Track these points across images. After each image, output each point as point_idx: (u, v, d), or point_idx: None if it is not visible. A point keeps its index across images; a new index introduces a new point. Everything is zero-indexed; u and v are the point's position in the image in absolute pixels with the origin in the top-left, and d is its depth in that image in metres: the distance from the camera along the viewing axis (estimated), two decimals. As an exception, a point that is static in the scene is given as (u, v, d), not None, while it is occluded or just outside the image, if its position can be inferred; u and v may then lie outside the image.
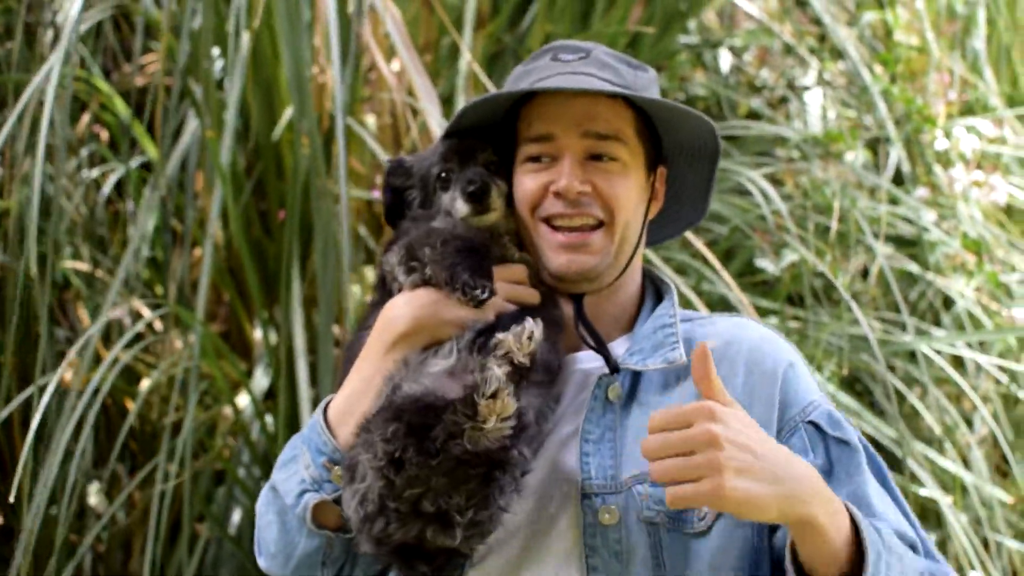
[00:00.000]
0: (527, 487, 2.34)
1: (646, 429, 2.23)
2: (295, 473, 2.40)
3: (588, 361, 2.50)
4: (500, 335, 2.22)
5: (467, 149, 2.53)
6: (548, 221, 2.47)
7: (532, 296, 2.46)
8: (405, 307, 2.40)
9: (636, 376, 2.46)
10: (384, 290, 2.51)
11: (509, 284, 2.45)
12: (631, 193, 2.49)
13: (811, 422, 2.42)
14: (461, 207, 2.47)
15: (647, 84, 2.55)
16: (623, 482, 2.36)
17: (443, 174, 2.52)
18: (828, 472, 2.39)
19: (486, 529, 2.26)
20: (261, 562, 2.47)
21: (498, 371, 2.16)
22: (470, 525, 2.22)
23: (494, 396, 2.14)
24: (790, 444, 2.37)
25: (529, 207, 2.48)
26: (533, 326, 2.23)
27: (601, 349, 2.47)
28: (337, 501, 2.34)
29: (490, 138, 2.55)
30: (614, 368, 2.44)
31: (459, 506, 2.21)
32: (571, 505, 2.37)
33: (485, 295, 2.35)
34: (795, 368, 2.47)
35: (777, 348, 2.49)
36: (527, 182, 2.48)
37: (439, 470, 2.17)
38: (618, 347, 2.51)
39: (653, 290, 2.62)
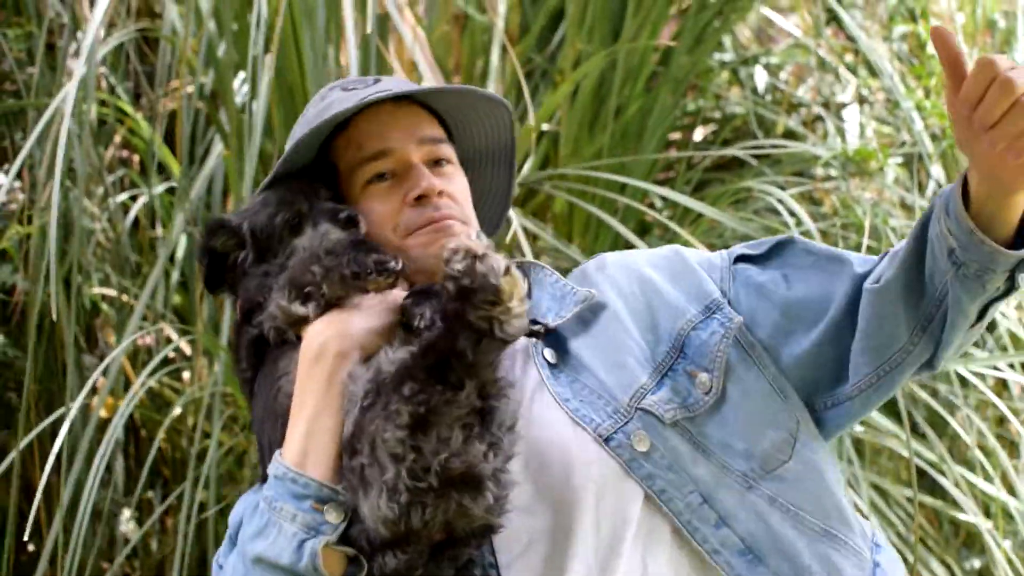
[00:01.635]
0: (527, 467, 2.28)
1: (606, 362, 2.34)
2: (280, 533, 2.20)
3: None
4: (454, 243, 2.10)
5: (307, 189, 2.44)
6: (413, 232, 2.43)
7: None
8: (328, 329, 2.29)
9: (555, 334, 2.43)
10: (271, 352, 2.38)
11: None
12: (467, 192, 2.51)
13: (739, 257, 2.50)
14: (336, 235, 2.38)
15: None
16: (624, 408, 2.33)
17: (293, 218, 2.41)
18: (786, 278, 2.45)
19: (504, 489, 2.17)
20: None
21: (496, 255, 2.08)
22: (494, 479, 2.14)
23: (507, 272, 2.06)
24: (743, 279, 2.46)
25: (390, 227, 2.43)
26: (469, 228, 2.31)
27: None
28: (338, 542, 2.20)
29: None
30: (546, 329, 2.41)
31: (478, 455, 2.12)
32: (597, 458, 2.31)
33: (398, 265, 2.31)
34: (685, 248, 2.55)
35: (661, 248, 2.57)
36: (377, 205, 2.44)
37: (458, 410, 2.09)
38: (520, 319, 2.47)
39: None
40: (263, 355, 2.39)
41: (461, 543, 2.20)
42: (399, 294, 2.33)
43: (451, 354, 2.08)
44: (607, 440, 2.30)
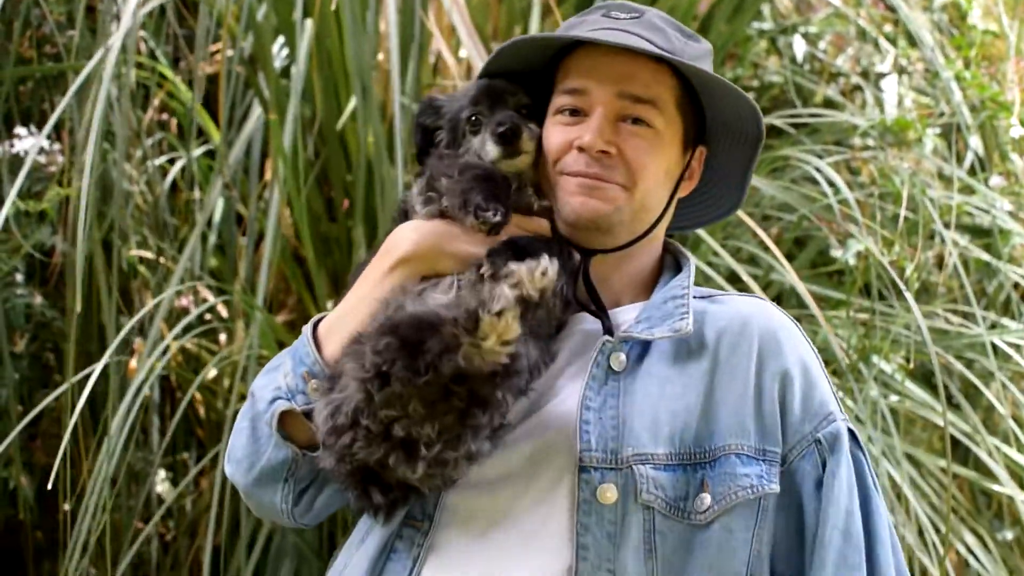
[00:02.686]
0: (518, 446, 2.30)
1: (652, 403, 2.27)
2: (273, 380, 2.38)
3: (591, 322, 2.43)
4: (513, 266, 2.16)
5: (498, 91, 2.46)
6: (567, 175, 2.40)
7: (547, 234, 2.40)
8: (411, 233, 2.36)
9: (645, 346, 2.38)
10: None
11: (525, 224, 2.38)
12: (659, 164, 2.41)
13: (819, 440, 2.37)
14: (491, 149, 2.40)
15: (699, 55, 2.45)
16: (625, 458, 2.28)
17: (473, 117, 2.45)
18: (818, 484, 2.35)
19: (449, 473, 2.21)
20: (226, 468, 2.44)
21: (508, 291, 2.10)
22: (434, 462, 2.18)
23: (499, 315, 2.07)
24: (800, 469, 2.35)
25: (553, 159, 2.41)
26: (548, 263, 2.17)
27: (599, 311, 2.42)
28: (308, 415, 2.31)
29: (527, 84, 2.48)
30: (608, 331, 2.38)
31: (429, 437, 2.15)
32: (567, 476, 2.29)
33: (498, 218, 2.29)
34: (808, 372, 2.40)
35: (794, 342, 2.42)
36: (554, 134, 2.42)
37: (422, 392, 2.11)
38: (625, 314, 2.44)
39: (673, 264, 2.55)
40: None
41: (384, 487, 2.25)
42: (512, 230, 2.34)
43: (421, 343, 2.10)
44: (582, 469, 2.28)
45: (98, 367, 3.73)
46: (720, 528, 2.29)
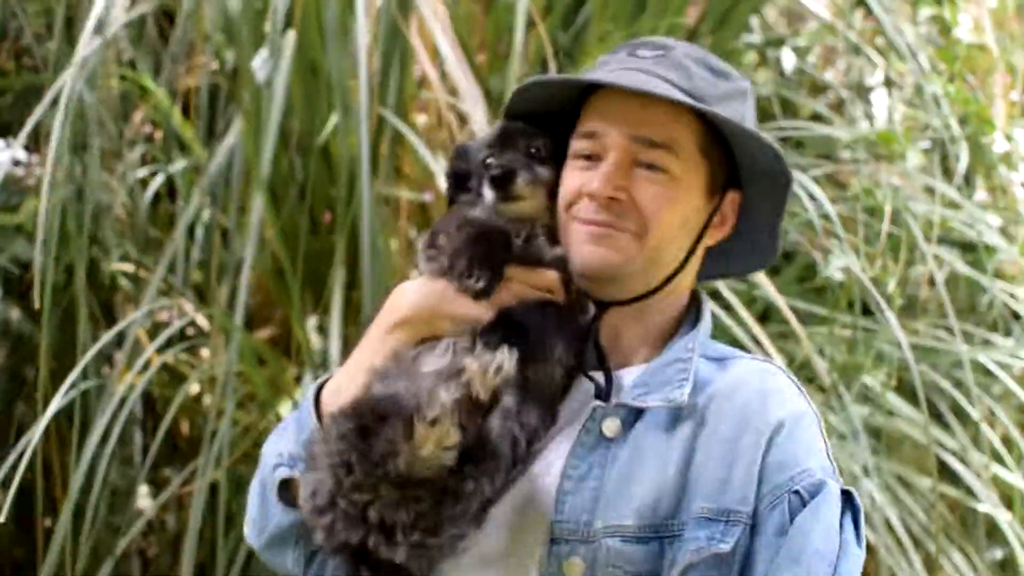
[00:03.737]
0: (504, 519, 2.21)
1: (632, 473, 2.16)
2: (277, 445, 2.34)
3: (598, 379, 2.31)
4: (467, 360, 2.11)
5: (510, 133, 2.37)
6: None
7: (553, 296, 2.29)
8: (411, 294, 2.28)
9: (638, 412, 2.26)
10: None
11: (527, 286, 2.27)
12: (675, 211, 2.27)
13: (796, 491, 2.19)
14: (488, 194, 2.32)
15: (728, 94, 2.30)
16: (596, 531, 2.18)
17: (486, 160, 2.36)
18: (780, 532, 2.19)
19: (434, 555, 2.13)
20: (245, 530, 2.40)
21: (445, 396, 2.04)
22: (416, 546, 2.10)
23: (435, 423, 2.00)
24: (769, 519, 2.19)
25: (565, 205, 2.30)
26: (504, 358, 2.10)
27: (604, 371, 2.30)
28: None
29: (551, 127, 2.37)
30: (600, 395, 2.26)
31: (404, 524, 2.08)
32: (539, 549, 2.21)
33: (480, 284, 2.20)
34: (794, 429, 2.24)
35: (783, 400, 2.27)
36: (569, 179, 2.30)
37: (385, 482, 2.05)
38: (631, 375, 2.31)
39: (694, 317, 2.39)
40: None
41: (373, 566, 2.16)
42: (508, 298, 2.25)
43: (376, 435, 2.05)
44: (553, 541, 2.20)
45: (69, 378, 3.70)
46: None
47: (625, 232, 2.26)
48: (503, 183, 2.30)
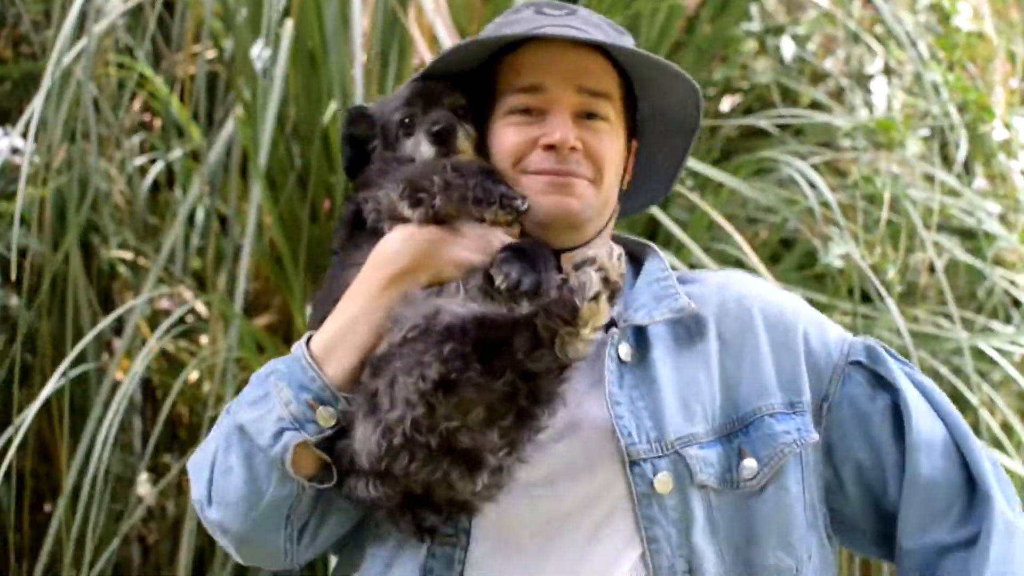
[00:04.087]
0: (554, 449, 2.24)
1: (673, 387, 2.28)
2: (269, 411, 2.20)
3: None
4: (589, 252, 2.08)
5: (432, 92, 2.39)
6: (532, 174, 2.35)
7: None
8: (404, 243, 2.25)
9: (642, 332, 2.36)
10: (358, 233, 2.37)
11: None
12: (616, 156, 2.40)
13: (854, 362, 2.40)
14: (426, 149, 2.34)
15: (634, 47, 2.43)
16: (669, 444, 2.27)
17: (406, 119, 2.38)
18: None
19: (501, 482, 2.14)
20: (212, 515, 2.26)
21: (595, 275, 2.03)
22: (494, 471, 2.11)
23: (595, 299, 2.01)
24: (851, 394, 2.38)
25: (512, 160, 2.35)
26: (614, 247, 2.12)
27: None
28: (319, 445, 2.18)
29: (462, 85, 2.42)
30: (611, 323, 2.33)
31: (493, 445, 2.09)
32: (616, 473, 2.26)
33: (525, 206, 2.26)
34: (813, 317, 2.45)
35: (786, 299, 2.46)
36: (510, 134, 2.36)
37: (492, 396, 2.05)
38: None
39: (628, 256, 2.50)
40: (352, 234, 2.39)
41: (433, 508, 2.17)
42: (502, 238, 2.27)
43: (504, 343, 2.04)
44: (632, 464, 2.26)
45: (63, 366, 3.70)
46: (775, 489, 2.31)
47: (583, 179, 2.35)
48: (445, 137, 2.34)
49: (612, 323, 2.35)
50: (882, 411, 2.38)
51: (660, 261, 2.46)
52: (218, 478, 2.25)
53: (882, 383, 2.39)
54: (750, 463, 2.29)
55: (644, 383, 2.31)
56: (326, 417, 2.18)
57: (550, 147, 2.33)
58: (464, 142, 2.36)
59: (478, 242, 2.26)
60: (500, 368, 2.03)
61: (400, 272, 2.24)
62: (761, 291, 2.45)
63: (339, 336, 2.23)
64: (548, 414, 2.14)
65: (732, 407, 2.34)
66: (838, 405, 2.38)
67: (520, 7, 2.48)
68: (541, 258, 2.24)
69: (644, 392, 2.30)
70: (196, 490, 2.29)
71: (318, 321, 2.30)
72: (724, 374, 2.35)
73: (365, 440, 2.12)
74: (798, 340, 2.38)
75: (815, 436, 2.34)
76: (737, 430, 2.32)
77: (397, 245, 2.26)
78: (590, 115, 2.36)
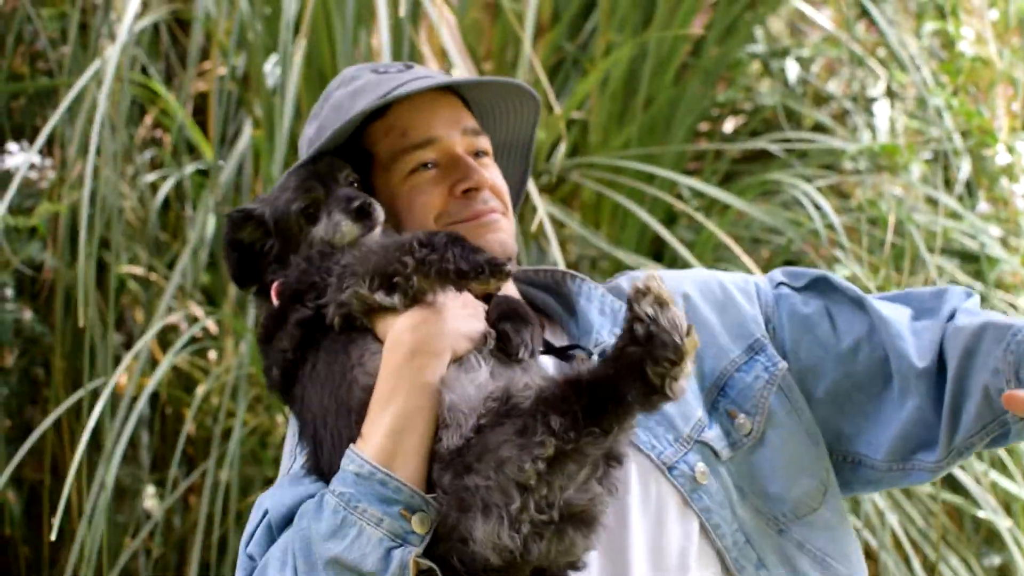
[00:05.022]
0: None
1: None
2: (359, 536, 2.09)
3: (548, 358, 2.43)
4: (637, 282, 2.01)
5: (324, 172, 2.34)
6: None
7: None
8: (424, 325, 2.17)
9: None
10: (334, 337, 2.24)
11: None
12: (505, 184, 2.49)
13: (779, 283, 2.53)
14: (348, 229, 2.28)
15: None
16: (686, 436, 2.35)
17: (307, 207, 2.31)
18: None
19: (600, 526, 2.12)
20: None
21: (675, 309, 1.99)
22: (597, 520, 2.10)
23: (688, 332, 1.98)
24: (788, 310, 2.48)
25: (433, 217, 2.38)
26: (648, 270, 2.09)
27: (570, 344, 2.44)
28: (426, 553, 2.07)
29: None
30: (572, 347, 2.41)
31: (598, 497, 2.08)
32: (658, 487, 2.32)
33: (513, 267, 2.27)
34: (731, 273, 2.58)
35: (701, 270, 2.62)
36: (424, 193, 2.39)
37: (601, 451, 2.05)
38: (553, 338, 2.47)
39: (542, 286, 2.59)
40: (314, 339, 2.24)
41: (551, 574, 2.13)
42: (480, 302, 2.28)
43: (614, 400, 1.99)
44: (670, 469, 2.32)
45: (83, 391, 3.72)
46: (773, 431, 2.40)
47: (499, 214, 2.43)
48: (368, 211, 2.30)
49: (575, 346, 2.40)
50: (817, 310, 2.47)
51: (587, 283, 2.52)
52: None
53: (807, 288, 2.50)
54: (742, 419, 2.39)
55: None
56: (421, 524, 2.09)
57: (466, 192, 2.39)
58: (381, 212, 2.32)
59: (471, 308, 2.26)
60: (610, 424, 2.00)
61: (434, 358, 2.16)
62: (683, 273, 2.57)
63: (396, 437, 2.13)
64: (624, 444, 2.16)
65: (704, 379, 2.42)
66: (780, 325, 2.48)
67: (353, 72, 2.51)
68: (521, 310, 2.28)
69: None
70: None
71: (342, 436, 2.19)
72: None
73: (491, 539, 2.04)
74: (730, 293, 2.49)
75: (783, 364, 2.43)
76: (717, 396, 2.41)
77: (417, 335, 2.18)
78: (478, 153, 2.44)
